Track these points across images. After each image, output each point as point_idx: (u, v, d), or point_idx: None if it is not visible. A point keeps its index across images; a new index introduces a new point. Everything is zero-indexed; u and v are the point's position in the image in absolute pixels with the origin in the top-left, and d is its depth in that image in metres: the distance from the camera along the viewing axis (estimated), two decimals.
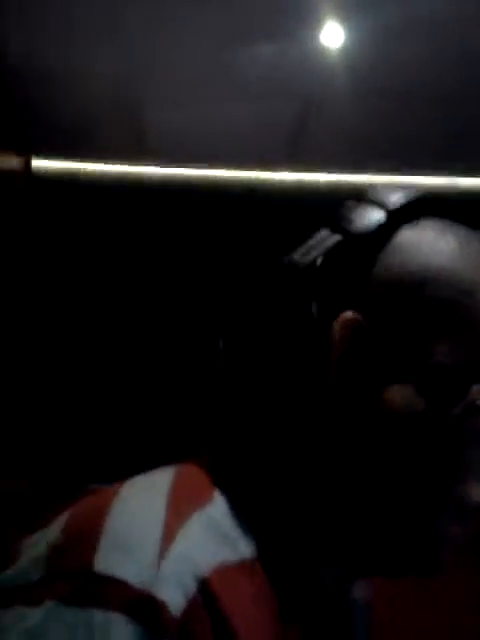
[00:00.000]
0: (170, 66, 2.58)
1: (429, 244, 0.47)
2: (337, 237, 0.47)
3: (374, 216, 0.47)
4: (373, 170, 3.38)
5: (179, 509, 0.44)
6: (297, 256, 0.48)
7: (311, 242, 0.48)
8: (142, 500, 0.45)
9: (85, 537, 0.41)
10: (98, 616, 0.37)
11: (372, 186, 0.51)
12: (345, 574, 0.51)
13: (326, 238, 0.48)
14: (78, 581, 0.38)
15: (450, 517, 0.46)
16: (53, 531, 0.43)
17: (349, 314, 0.45)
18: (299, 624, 0.48)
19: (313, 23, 2.32)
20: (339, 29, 2.39)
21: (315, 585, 0.49)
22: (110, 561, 0.39)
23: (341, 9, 2.27)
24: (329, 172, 3.36)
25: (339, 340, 0.45)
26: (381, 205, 0.48)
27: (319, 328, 0.45)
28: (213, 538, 0.44)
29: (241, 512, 0.46)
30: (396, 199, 0.48)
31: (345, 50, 2.54)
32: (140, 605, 0.37)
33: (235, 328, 0.48)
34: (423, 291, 0.45)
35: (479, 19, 2.40)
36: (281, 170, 3.34)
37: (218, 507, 0.46)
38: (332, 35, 2.42)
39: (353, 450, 0.46)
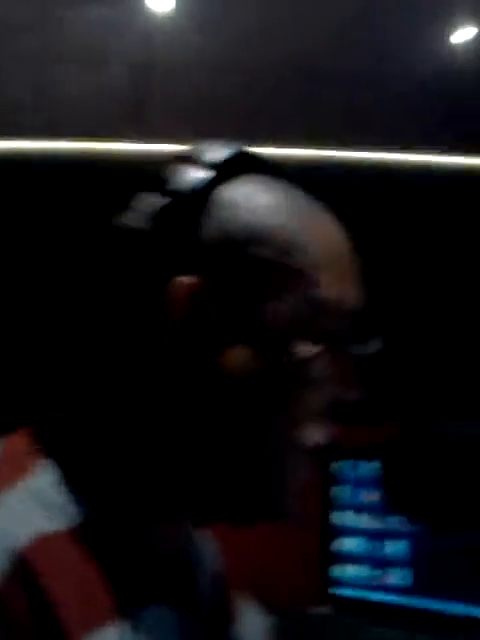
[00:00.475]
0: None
1: (250, 202, 0.46)
2: (162, 199, 0.46)
3: (195, 175, 0.46)
4: (212, 140, 3.43)
5: None
6: (128, 221, 0.47)
7: (138, 206, 0.47)
8: None
9: None
10: None
11: (194, 146, 0.50)
12: (186, 528, 0.51)
13: (152, 201, 0.46)
14: None
15: (293, 463, 0.48)
16: None
17: (185, 278, 0.44)
18: (138, 586, 0.47)
19: None
20: None
21: (153, 544, 0.48)
22: None
23: None
24: (170, 143, 3.37)
25: (176, 304, 0.44)
26: (201, 163, 0.47)
27: (158, 293, 0.45)
28: (31, 509, 0.42)
29: (70, 479, 0.45)
30: (215, 156, 0.48)
31: (176, 18, 2.55)
32: None
33: (73, 300, 0.48)
34: (247, 250, 0.45)
35: None
36: (122, 140, 3.30)
37: (41, 477, 0.44)
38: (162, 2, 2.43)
39: (195, 409, 0.46)
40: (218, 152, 0.48)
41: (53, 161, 3.17)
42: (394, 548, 1.12)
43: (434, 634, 0.95)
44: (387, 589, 1.12)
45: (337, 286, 0.46)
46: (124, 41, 2.73)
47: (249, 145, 0.51)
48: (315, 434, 0.48)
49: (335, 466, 1.20)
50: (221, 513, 0.48)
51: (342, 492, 1.19)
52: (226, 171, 0.47)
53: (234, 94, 3.15)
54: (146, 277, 0.45)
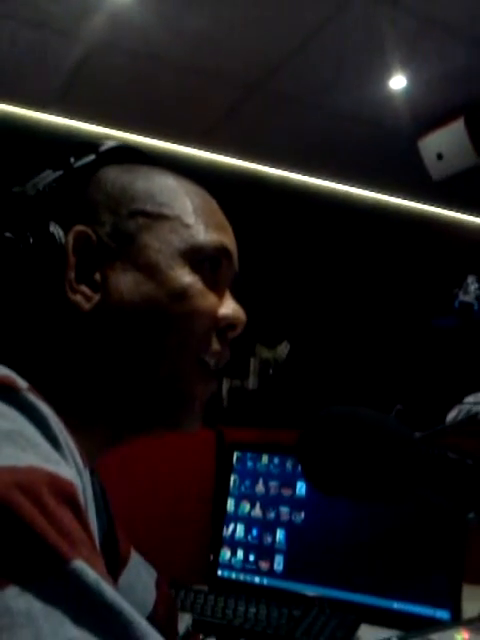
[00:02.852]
0: None
1: (131, 175, 0.59)
2: (59, 173, 0.57)
3: (86, 158, 0.59)
4: (131, 130, 3.44)
5: None
6: (26, 189, 0.56)
7: (38, 178, 0.57)
8: None
9: None
10: None
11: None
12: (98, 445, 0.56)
13: (49, 175, 0.57)
14: None
15: (196, 378, 0.57)
16: None
17: (79, 227, 0.55)
18: None
19: None
20: None
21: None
22: None
23: None
24: (92, 123, 3.34)
25: (72, 247, 0.55)
26: (93, 148, 0.60)
27: (57, 242, 0.54)
28: None
29: None
30: (106, 145, 0.60)
31: (134, 7, 2.57)
32: None
33: None
34: (129, 205, 0.57)
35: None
36: (51, 112, 3.24)
37: None
38: None
39: (98, 337, 0.54)
40: (109, 143, 0.60)
41: None
42: (273, 537, 1.23)
43: (302, 611, 1.08)
44: (262, 573, 1.23)
45: (212, 232, 0.58)
46: (75, 14, 2.69)
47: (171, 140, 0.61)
48: (206, 355, 0.57)
49: (238, 456, 1.30)
50: (125, 419, 0.56)
51: (237, 481, 1.28)
52: (110, 157, 0.60)
53: (165, 91, 3.18)
54: (48, 230, 0.54)
